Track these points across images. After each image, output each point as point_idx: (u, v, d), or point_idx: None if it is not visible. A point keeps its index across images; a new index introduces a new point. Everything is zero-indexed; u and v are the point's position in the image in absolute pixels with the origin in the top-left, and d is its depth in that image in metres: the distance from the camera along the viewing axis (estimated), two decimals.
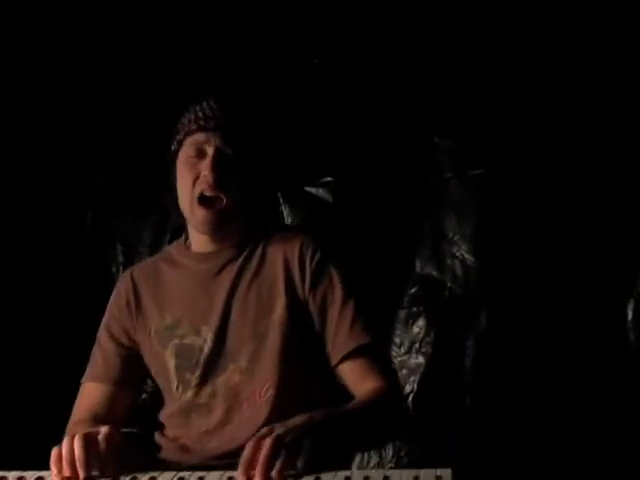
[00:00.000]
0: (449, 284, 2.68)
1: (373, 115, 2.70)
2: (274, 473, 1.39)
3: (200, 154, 1.78)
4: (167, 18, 2.75)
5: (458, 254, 2.67)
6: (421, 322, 2.68)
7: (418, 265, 2.71)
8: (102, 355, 1.91)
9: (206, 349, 1.80)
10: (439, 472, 1.41)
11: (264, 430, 1.45)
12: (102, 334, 1.94)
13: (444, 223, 2.69)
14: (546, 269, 2.58)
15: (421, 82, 2.67)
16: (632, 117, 2.50)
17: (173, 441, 1.82)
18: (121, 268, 2.80)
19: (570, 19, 2.55)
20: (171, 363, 1.82)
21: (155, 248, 2.72)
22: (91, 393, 1.88)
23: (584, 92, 2.53)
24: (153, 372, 1.88)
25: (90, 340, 2.75)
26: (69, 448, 1.47)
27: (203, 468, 1.57)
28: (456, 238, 2.68)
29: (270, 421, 1.59)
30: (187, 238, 1.94)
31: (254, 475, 1.39)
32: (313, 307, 1.79)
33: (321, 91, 2.73)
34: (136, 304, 1.91)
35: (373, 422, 1.68)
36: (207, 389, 1.80)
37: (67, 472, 1.45)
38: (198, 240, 1.89)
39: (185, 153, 1.81)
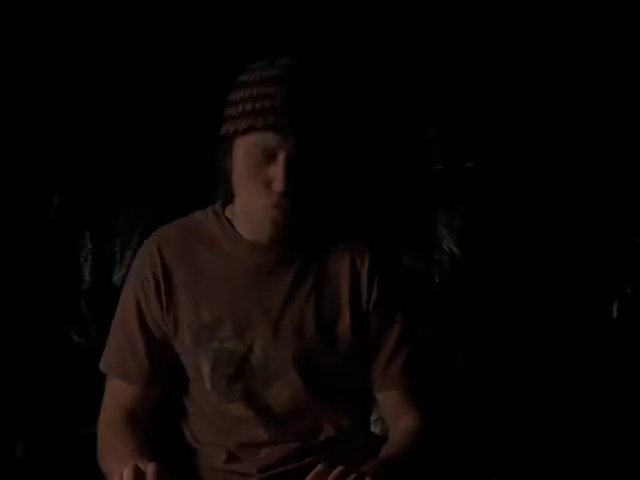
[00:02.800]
0: (437, 280, 2.61)
1: (363, 105, 2.59)
2: None
3: (269, 158, 1.55)
4: (168, 17, 2.58)
5: (446, 249, 2.61)
6: None
7: (405, 260, 2.64)
8: (130, 346, 1.69)
9: (253, 359, 1.64)
10: None
11: (322, 466, 1.42)
12: (129, 321, 1.69)
13: (432, 217, 2.63)
14: (538, 266, 2.55)
15: (413, 71, 2.58)
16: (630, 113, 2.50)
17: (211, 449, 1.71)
18: (90, 257, 2.61)
19: (565, 16, 2.53)
20: (206, 368, 1.65)
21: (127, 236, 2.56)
22: (120, 392, 1.69)
23: (584, 86, 2.52)
24: (185, 365, 1.71)
25: (64, 331, 2.59)
26: None
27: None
28: (445, 232, 2.62)
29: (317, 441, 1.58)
30: (229, 218, 1.71)
31: None
32: (373, 325, 1.71)
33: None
34: (166, 290, 1.66)
35: (419, 460, 1.65)
36: (257, 402, 1.66)
37: None
38: (252, 230, 1.66)
39: (250, 152, 1.57)
